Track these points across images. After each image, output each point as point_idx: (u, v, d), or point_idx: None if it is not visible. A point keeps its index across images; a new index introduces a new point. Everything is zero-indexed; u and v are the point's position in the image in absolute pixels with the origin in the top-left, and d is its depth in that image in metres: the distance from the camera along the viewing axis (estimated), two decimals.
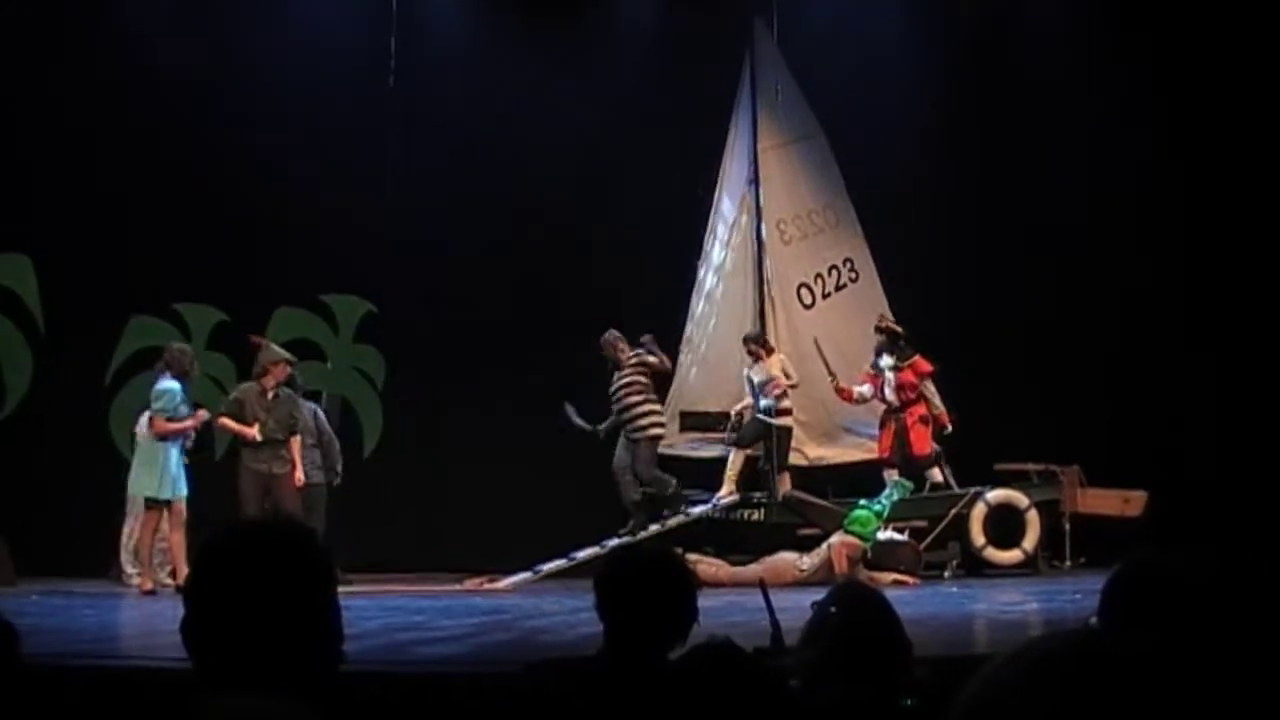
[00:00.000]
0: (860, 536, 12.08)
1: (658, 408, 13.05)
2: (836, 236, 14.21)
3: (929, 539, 12.70)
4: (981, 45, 14.51)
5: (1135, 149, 13.98)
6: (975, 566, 12.82)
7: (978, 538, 12.77)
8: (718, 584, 11.10)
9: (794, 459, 13.68)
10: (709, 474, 13.25)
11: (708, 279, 14.25)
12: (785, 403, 13.15)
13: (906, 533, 12.62)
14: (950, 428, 13.25)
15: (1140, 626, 2.53)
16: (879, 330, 13.47)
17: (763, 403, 13.06)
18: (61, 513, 12.54)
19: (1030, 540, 12.83)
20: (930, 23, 14.81)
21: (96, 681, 5.79)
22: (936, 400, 13.29)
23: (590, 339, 13.32)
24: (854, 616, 3.29)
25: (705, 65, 14.20)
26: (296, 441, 11.73)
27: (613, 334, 13.02)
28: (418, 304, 14.05)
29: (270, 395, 11.72)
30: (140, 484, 11.54)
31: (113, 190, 13.53)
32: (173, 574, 11.44)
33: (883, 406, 13.44)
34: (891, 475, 13.10)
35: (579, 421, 13.06)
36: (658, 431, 12.99)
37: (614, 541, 11.97)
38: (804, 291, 14.14)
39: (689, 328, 14.06)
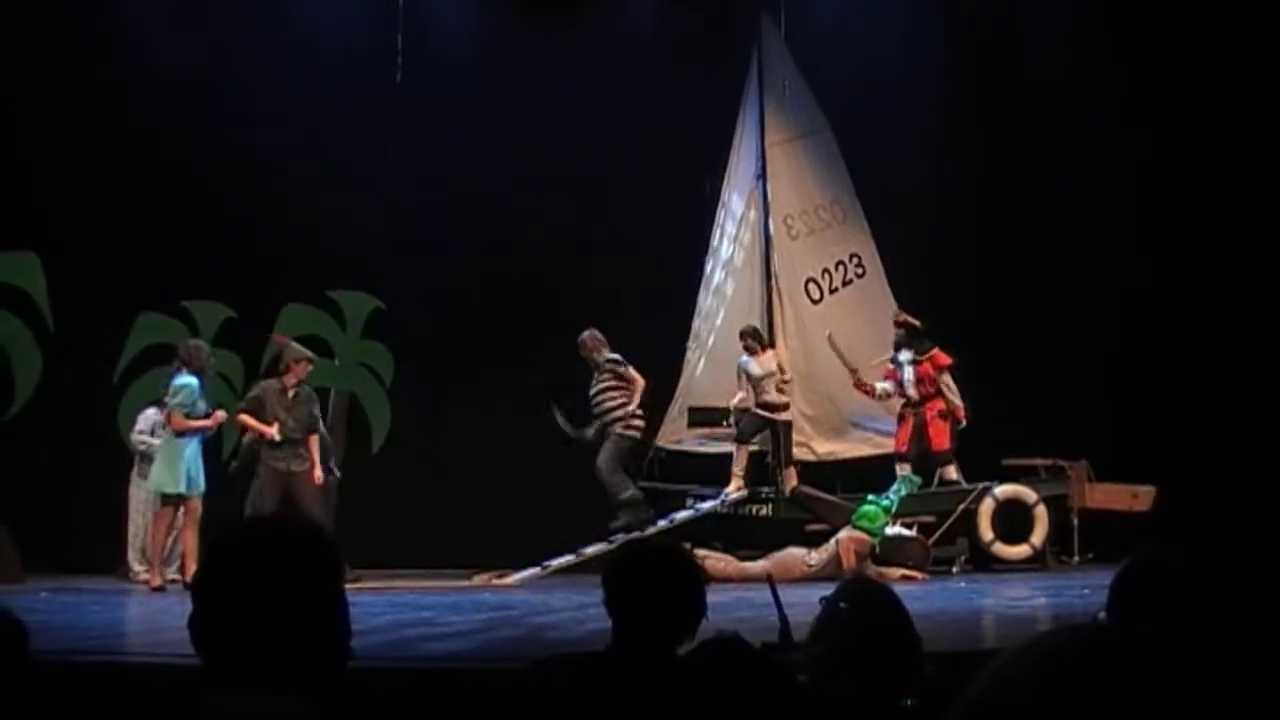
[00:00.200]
0: (868, 532, 12.07)
1: (637, 410, 12.96)
2: (844, 232, 14.20)
3: (937, 534, 12.69)
4: (983, 45, 14.49)
5: (1136, 148, 13.96)
6: (983, 562, 12.81)
7: (986, 533, 12.76)
8: (726, 579, 11.09)
9: (803, 454, 13.68)
10: (716, 470, 13.25)
11: (716, 274, 14.25)
12: (784, 397, 13.13)
13: (915, 528, 12.61)
14: (965, 422, 13.23)
15: (1149, 621, 2.53)
16: (898, 324, 13.45)
17: (762, 397, 13.04)
18: (70, 509, 12.57)
19: (1038, 535, 12.82)
20: (932, 22, 14.78)
21: (104, 678, 5.80)
22: (954, 395, 13.25)
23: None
24: (865, 612, 3.29)
25: (707, 64, 14.20)
26: (315, 440, 11.77)
27: (593, 335, 12.95)
28: (422, 302, 14.07)
29: (291, 394, 11.76)
30: (160, 479, 11.53)
31: (120, 188, 13.56)
32: (181, 570, 11.48)
33: (900, 401, 13.42)
34: (903, 469, 13.08)
35: (567, 427, 13.02)
36: (634, 433, 12.91)
37: (621, 537, 11.94)
38: (811, 287, 14.13)
39: (696, 323, 14.07)
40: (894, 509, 12.33)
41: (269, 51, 14.01)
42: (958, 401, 13.23)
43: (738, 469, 13.07)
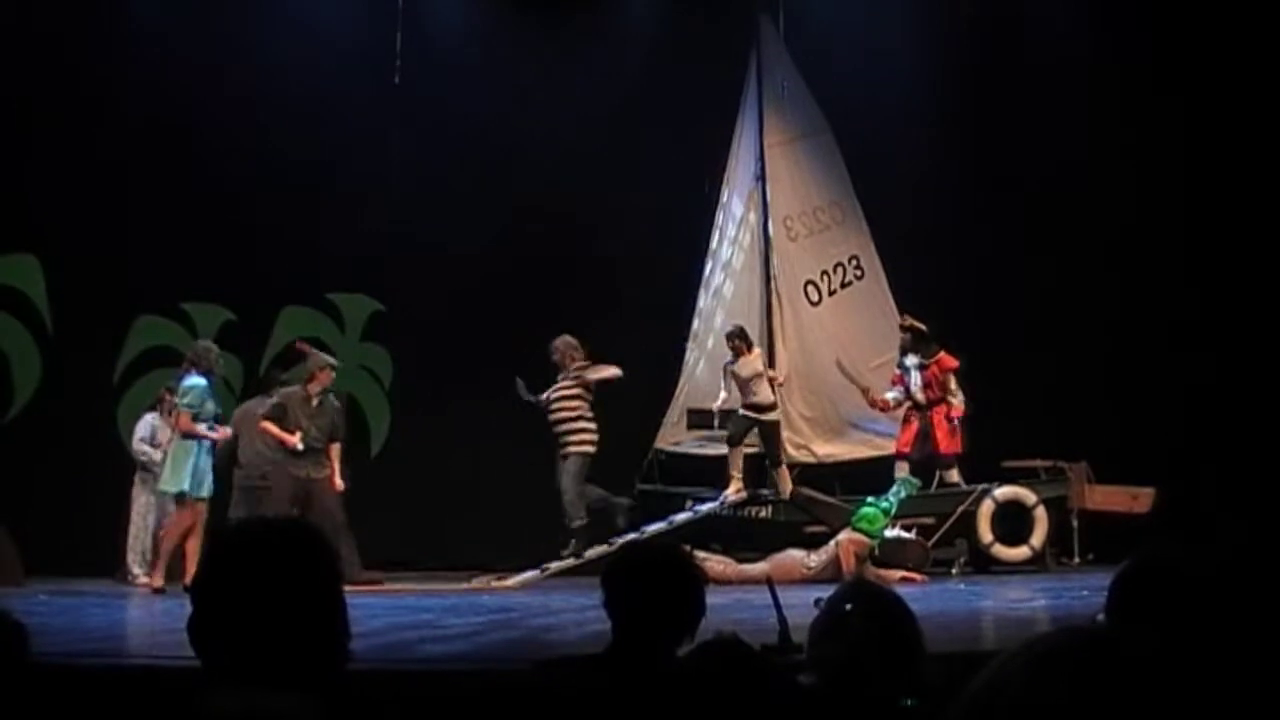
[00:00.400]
0: (868, 534, 12.06)
1: (591, 425, 12.66)
2: (843, 233, 14.20)
3: (937, 536, 12.69)
4: (981, 45, 14.47)
5: (1138, 146, 13.95)
6: (983, 563, 12.80)
7: (985, 534, 12.76)
8: (725, 581, 11.10)
9: (802, 456, 13.68)
10: (716, 472, 13.24)
11: (715, 276, 14.25)
12: (771, 397, 13.11)
13: (914, 530, 12.60)
14: (956, 420, 13.21)
15: (1148, 623, 2.52)
16: (903, 329, 13.44)
17: (749, 398, 13.01)
18: (69, 512, 12.56)
19: (1038, 537, 12.82)
20: (930, 23, 14.77)
21: (104, 680, 5.80)
22: (957, 398, 13.22)
23: (596, 338, 13.33)
24: (876, 615, 3.28)
25: (708, 64, 14.20)
26: (337, 448, 11.82)
27: (566, 341, 12.75)
28: (423, 302, 14.06)
29: (315, 402, 11.77)
30: (168, 480, 11.47)
31: (119, 190, 13.55)
32: (182, 573, 11.46)
33: (907, 404, 13.41)
34: (902, 469, 13.07)
35: (528, 395, 12.78)
36: (588, 449, 12.62)
37: (623, 539, 11.92)
38: (811, 288, 14.13)
39: (696, 324, 14.07)
40: (893, 511, 12.32)
41: (268, 52, 14.00)
42: (956, 403, 13.22)
43: (734, 471, 13.06)
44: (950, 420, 13.21)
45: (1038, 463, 13.34)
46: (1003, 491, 12.89)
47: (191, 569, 10.83)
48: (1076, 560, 13.09)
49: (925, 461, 13.29)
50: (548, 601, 10.29)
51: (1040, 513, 12.84)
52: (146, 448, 12.44)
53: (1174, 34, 13.91)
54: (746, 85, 14.22)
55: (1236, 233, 13.86)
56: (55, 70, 13.50)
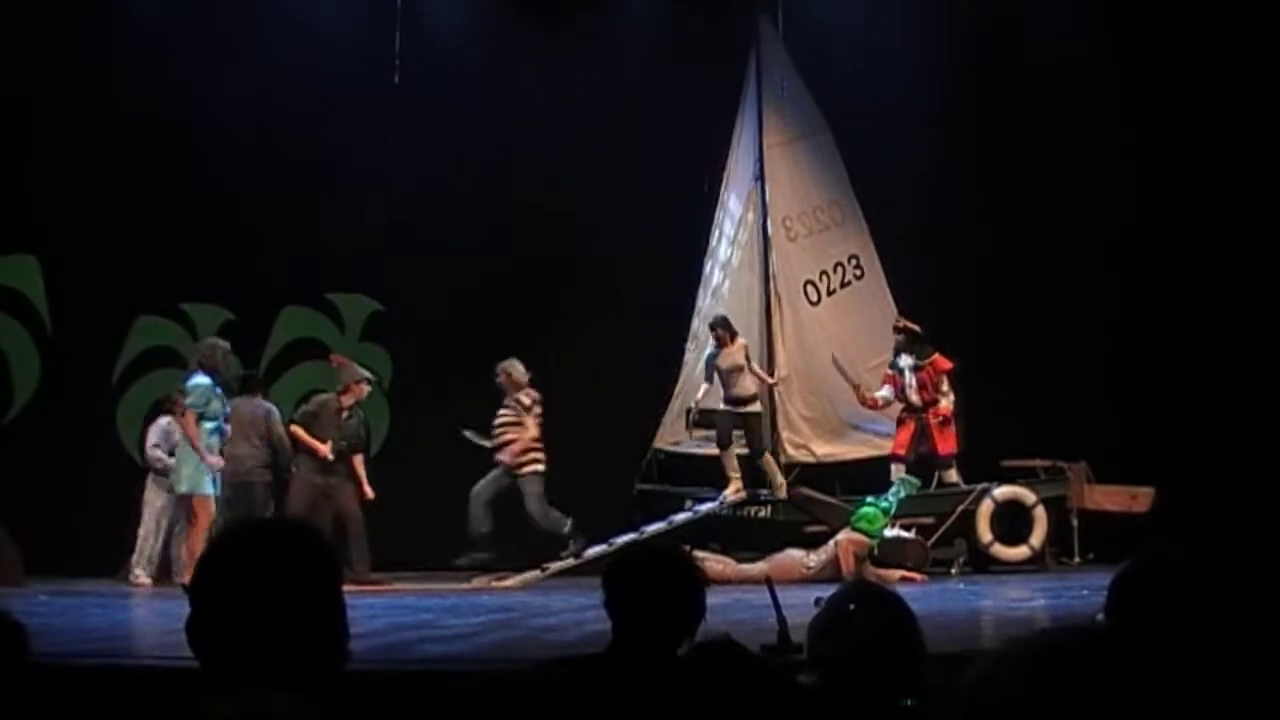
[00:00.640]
0: (867, 534, 12.06)
1: (537, 444, 12.61)
2: (842, 233, 14.20)
3: (936, 536, 12.69)
4: (981, 45, 14.46)
5: (1138, 146, 13.95)
6: (983, 563, 12.81)
7: (985, 534, 12.76)
8: (724, 581, 11.08)
9: (802, 456, 13.69)
10: (715, 471, 13.23)
11: (714, 275, 14.25)
12: (752, 389, 13.10)
13: (914, 530, 12.60)
14: (944, 419, 13.20)
15: (1148, 623, 2.52)
16: (897, 330, 13.43)
17: (730, 391, 12.99)
18: (70, 513, 12.55)
19: (1038, 537, 12.82)
20: (929, 23, 14.76)
21: (104, 681, 5.80)
22: (946, 398, 13.23)
23: (597, 338, 13.34)
24: (879, 615, 3.28)
25: (707, 64, 14.19)
26: (359, 459, 12.04)
27: (512, 366, 12.64)
28: (422, 303, 14.06)
29: (346, 414, 11.91)
30: (193, 481, 11.41)
31: (119, 190, 13.55)
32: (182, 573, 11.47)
33: (900, 405, 13.41)
34: (899, 471, 13.07)
35: (479, 439, 12.74)
36: (539, 467, 12.55)
37: (623, 539, 11.90)
38: (810, 288, 14.13)
39: (695, 324, 14.05)
40: (893, 510, 12.32)
41: (268, 52, 13.99)
42: (947, 403, 13.21)
43: (731, 472, 13.05)
44: (947, 422, 13.21)
45: (1037, 462, 13.34)
46: (1002, 491, 12.89)
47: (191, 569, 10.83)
48: (1077, 560, 13.09)
49: (923, 462, 13.28)
50: (548, 601, 10.30)
51: (1040, 512, 12.84)
52: (160, 453, 12.35)
53: (1174, 34, 13.91)
54: (746, 85, 14.22)
55: (1236, 233, 13.85)
56: (55, 70, 13.49)
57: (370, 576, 11.33)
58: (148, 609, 10.47)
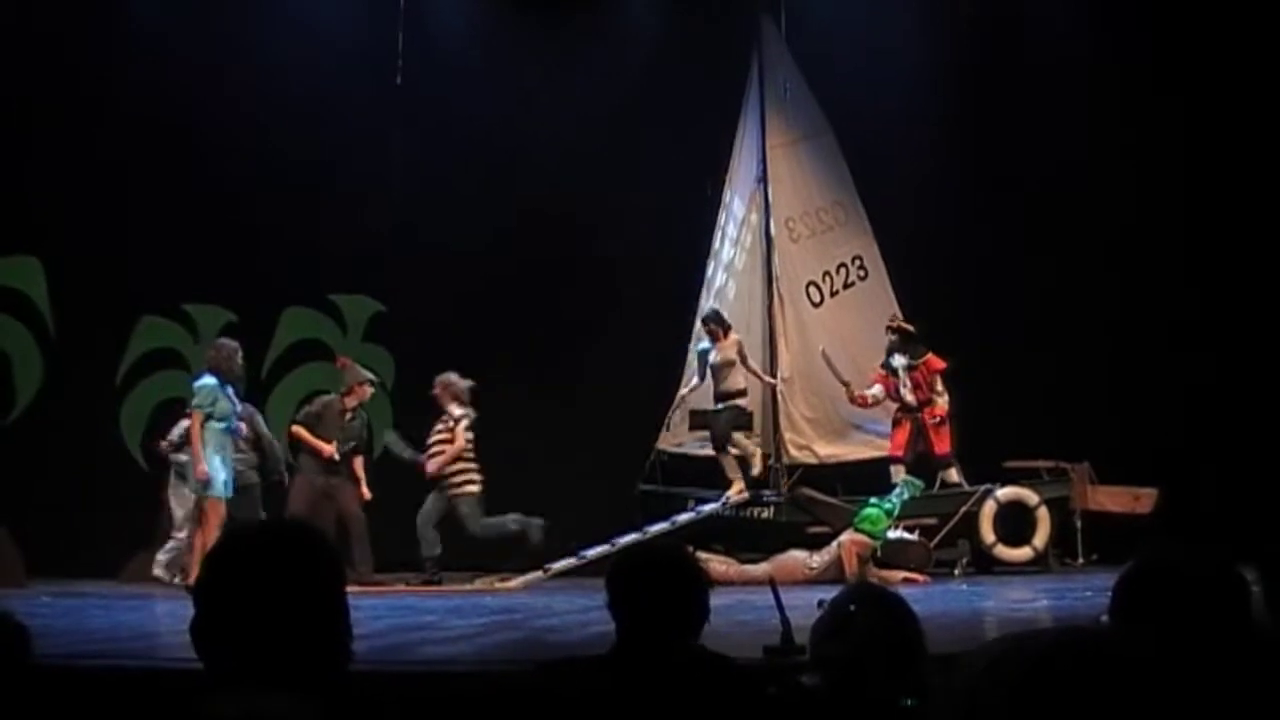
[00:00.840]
0: (870, 535, 12.05)
1: (472, 464, 12.46)
2: (845, 234, 14.20)
3: (939, 537, 12.68)
4: (983, 45, 14.47)
5: (1138, 146, 13.95)
6: (985, 564, 12.80)
7: (988, 535, 12.75)
8: (728, 582, 11.08)
9: (804, 457, 13.69)
10: (718, 472, 13.22)
11: (717, 277, 14.25)
12: (741, 384, 13.08)
13: (916, 531, 12.59)
14: (940, 419, 13.20)
15: (1152, 624, 2.52)
16: (891, 330, 13.44)
17: (720, 386, 12.97)
18: (72, 514, 12.55)
19: (1041, 538, 12.81)
20: (931, 23, 14.76)
21: (106, 682, 5.80)
22: (942, 397, 13.23)
23: (597, 338, 13.34)
24: (882, 616, 3.28)
25: (709, 64, 14.20)
26: (360, 461, 12.09)
27: (450, 380, 12.49)
28: (424, 303, 14.06)
29: (349, 415, 11.99)
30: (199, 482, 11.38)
31: (119, 191, 13.55)
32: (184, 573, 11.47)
33: (895, 405, 13.41)
34: (899, 473, 13.07)
35: (406, 453, 12.62)
36: (473, 488, 12.41)
37: (626, 539, 11.88)
38: (813, 289, 14.13)
39: (698, 326, 14.05)
40: (896, 512, 12.32)
41: (268, 52, 13.99)
42: (943, 403, 13.21)
43: (731, 474, 13.04)
44: (942, 421, 13.21)
45: (1040, 463, 13.34)
46: (1005, 492, 12.89)
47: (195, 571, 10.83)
48: (1080, 561, 13.08)
49: (921, 462, 13.28)
50: (551, 602, 10.29)
51: (1042, 513, 12.83)
52: (180, 457, 12.30)
53: (1174, 34, 13.91)
54: (748, 86, 14.23)
55: (1236, 233, 13.85)
56: (55, 70, 13.50)
57: (373, 577, 11.38)
58: (150, 610, 10.46)
